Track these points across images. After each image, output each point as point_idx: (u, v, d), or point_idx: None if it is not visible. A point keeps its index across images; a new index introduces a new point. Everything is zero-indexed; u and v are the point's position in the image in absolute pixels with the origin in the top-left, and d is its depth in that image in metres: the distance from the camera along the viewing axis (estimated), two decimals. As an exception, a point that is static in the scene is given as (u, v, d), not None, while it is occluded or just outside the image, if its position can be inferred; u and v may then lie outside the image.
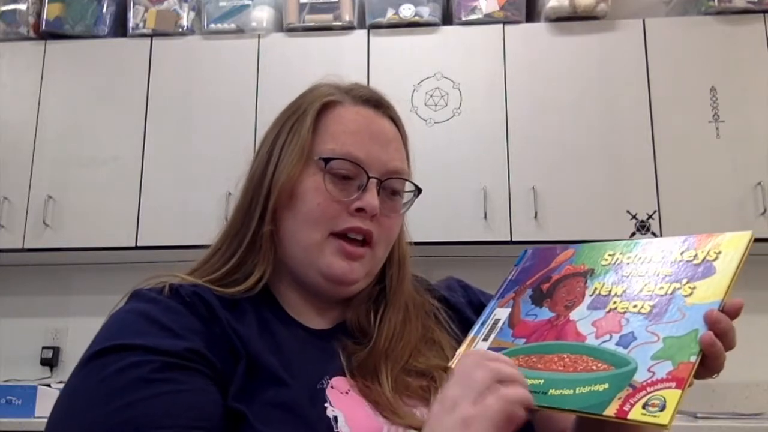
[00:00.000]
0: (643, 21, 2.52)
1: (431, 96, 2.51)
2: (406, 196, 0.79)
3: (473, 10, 2.57)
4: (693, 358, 0.53)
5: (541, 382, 0.60)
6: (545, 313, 0.66)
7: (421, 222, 2.39)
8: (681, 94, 2.44)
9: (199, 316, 0.65)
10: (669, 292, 0.59)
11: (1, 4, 2.71)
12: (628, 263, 0.65)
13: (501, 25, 2.55)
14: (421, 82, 2.53)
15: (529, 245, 2.31)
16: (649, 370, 0.54)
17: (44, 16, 2.66)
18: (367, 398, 0.66)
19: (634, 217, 2.36)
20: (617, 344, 0.58)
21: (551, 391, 0.58)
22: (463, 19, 2.57)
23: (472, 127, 2.48)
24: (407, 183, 0.78)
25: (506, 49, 2.53)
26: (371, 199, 0.72)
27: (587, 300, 0.64)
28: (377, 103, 0.78)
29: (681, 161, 2.39)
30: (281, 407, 0.61)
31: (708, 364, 0.55)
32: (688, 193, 2.37)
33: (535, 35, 2.55)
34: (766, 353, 2.51)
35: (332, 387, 0.66)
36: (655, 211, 2.36)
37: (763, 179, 2.34)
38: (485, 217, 2.38)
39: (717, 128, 2.40)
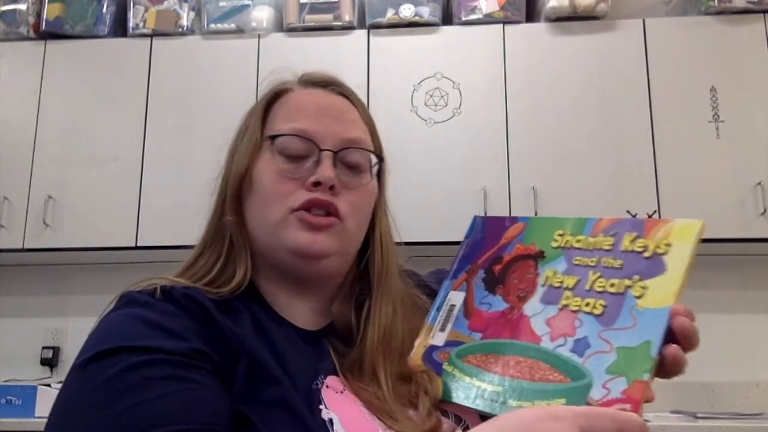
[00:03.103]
0: (643, 21, 2.52)
1: (431, 96, 2.51)
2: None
3: (473, 10, 2.57)
4: (646, 376, 0.52)
5: (500, 389, 0.59)
6: (499, 303, 0.66)
7: (422, 222, 2.42)
8: (681, 94, 2.44)
9: (195, 318, 0.64)
10: (621, 290, 0.58)
11: (1, 4, 2.71)
12: (578, 247, 0.63)
13: (501, 25, 2.55)
14: (421, 82, 2.53)
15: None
16: (604, 386, 0.53)
17: (44, 16, 2.66)
18: (361, 398, 0.65)
19: (634, 217, 2.36)
20: (572, 350, 0.57)
21: (510, 402, 0.58)
22: (463, 19, 2.57)
23: (472, 127, 2.48)
24: (372, 158, 0.76)
25: (506, 49, 2.53)
26: (325, 170, 0.70)
27: (539, 291, 0.63)
28: (326, 83, 0.78)
29: (681, 161, 2.39)
30: (281, 407, 0.61)
31: (670, 371, 0.54)
32: (688, 193, 2.37)
33: (535, 35, 2.55)
34: (766, 353, 2.52)
35: (327, 387, 0.65)
36: (655, 211, 2.36)
37: (763, 179, 2.34)
38: (485, 217, 2.38)
39: (717, 128, 2.40)
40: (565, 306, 0.60)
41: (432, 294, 0.79)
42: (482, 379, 0.61)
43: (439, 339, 0.68)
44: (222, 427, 0.57)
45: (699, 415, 2.11)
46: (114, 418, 0.54)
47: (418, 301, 0.78)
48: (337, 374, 0.67)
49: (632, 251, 0.60)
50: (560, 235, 0.66)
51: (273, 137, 0.72)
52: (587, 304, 0.59)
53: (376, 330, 0.71)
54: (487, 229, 0.73)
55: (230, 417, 0.59)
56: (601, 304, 0.58)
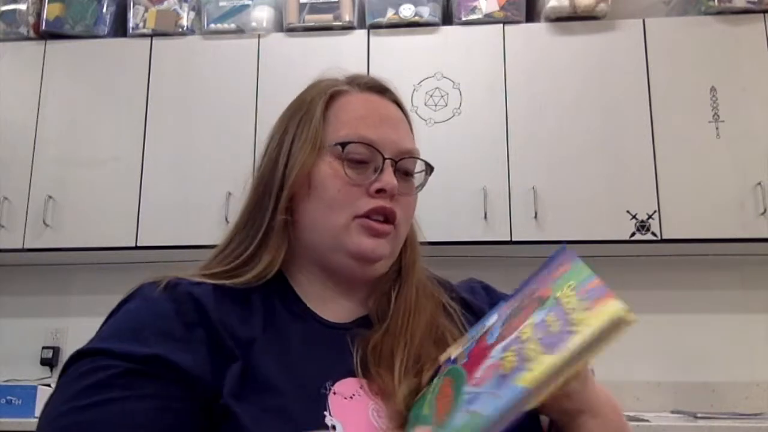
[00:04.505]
0: (643, 21, 2.52)
1: (431, 96, 2.51)
2: (418, 177, 0.80)
3: (473, 10, 2.57)
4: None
5: (420, 413, 0.62)
6: (494, 336, 0.63)
7: (421, 222, 2.40)
8: (681, 94, 2.44)
9: (184, 319, 0.65)
10: (524, 355, 0.54)
11: (1, 4, 2.71)
12: (565, 301, 0.58)
13: (501, 25, 2.55)
14: (421, 82, 2.53)
15: (529, 246, 2.32)
16: None
17: (44, 16, 2.66)
18: (374, 398, 0.65)
19: (634, 217, 2.36)
20: (469, 401, 0.56)
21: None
22: (463, 19, 2.57)
23: (472, 127, 2.48)
24: (418, 164, 0.79)
25: (506, 49, 2.53)
26: (390, 178, 0.73)
27: (511, 337, 0.59)
28: (381, 89, 0.81)
29: (681, 161, 2.39)
30: (276, 413, 0.60)
31: None
32: (688, 193, 2.37)
33: (535, 35, 2.55)
34: (766, 353, 2.51)
35: (335, 393, 0.64)
36: (655, 211, 2.36)
37: (763, 179, 2.34)
38: (485, 217, 2.38)
39: (717, 128, 2.40)
40: (502, 358, 0.57)
41: (461, 301, 0.80)
42: (424, 399, 0.63)
43: (455, 352, 0.69)
44: None
45: (699, 415, 2.11)
46: (58, 419, 0.59)
47: (441, 296, 0.79)
48: (353, 374, 0.67)
49: (568, 319, 0.55)
50: (569, 286, 0.60)
51: (343, 144, 0.73)
52: (504, 358, 0.56)
53: (402, 309, 0.74)
54: (556, 261, 0.69)
55: (162, 427, 0.59)
56: (510, 363, 0.54)
